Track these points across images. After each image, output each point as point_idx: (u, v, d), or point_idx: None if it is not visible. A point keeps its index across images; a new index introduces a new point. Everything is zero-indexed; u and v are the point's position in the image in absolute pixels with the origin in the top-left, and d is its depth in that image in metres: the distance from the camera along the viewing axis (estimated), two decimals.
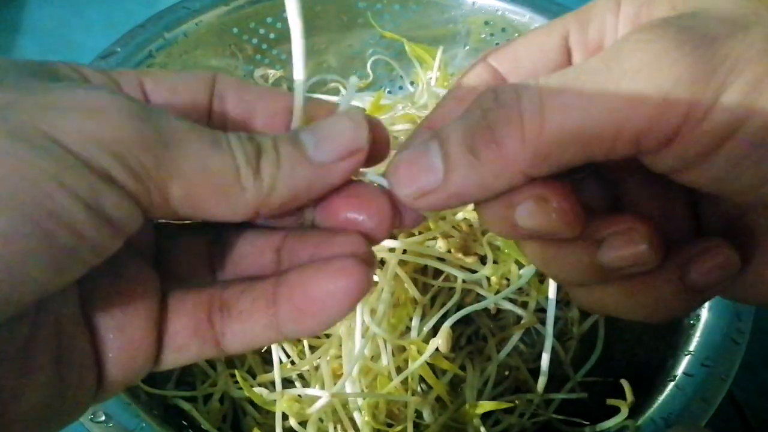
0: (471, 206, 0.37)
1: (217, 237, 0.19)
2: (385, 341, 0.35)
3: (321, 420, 0.35)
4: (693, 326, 0.35)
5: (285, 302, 0.17)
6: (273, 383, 0.36)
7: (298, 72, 0.19)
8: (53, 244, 0.13)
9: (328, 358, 0.36)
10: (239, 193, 0.16)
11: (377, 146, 0.18)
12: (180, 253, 0.19)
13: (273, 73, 0.49)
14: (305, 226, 0.19)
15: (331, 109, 0.20)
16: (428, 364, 0.35)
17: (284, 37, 0.50)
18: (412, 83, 0.53)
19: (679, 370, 0.34)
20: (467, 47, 0.51)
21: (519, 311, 0.39)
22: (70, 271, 0.14)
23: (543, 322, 0.38)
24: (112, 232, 0.14)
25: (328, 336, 0.38)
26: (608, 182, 0.20)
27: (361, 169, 0.18)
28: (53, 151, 0.13)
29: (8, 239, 0.12)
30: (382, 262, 0.37)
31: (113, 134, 0.14)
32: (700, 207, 0.19)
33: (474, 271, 0.37)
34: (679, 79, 0.14)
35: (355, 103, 0.47)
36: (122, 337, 0.17)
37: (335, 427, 0.35)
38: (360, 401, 0.35)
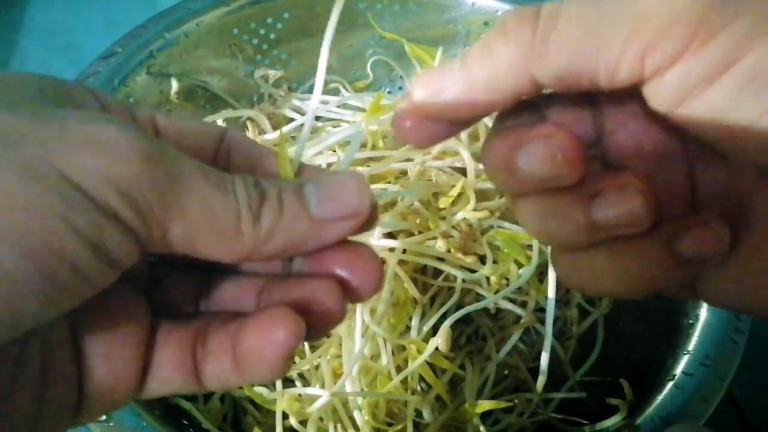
0: (471, 206, 0.37)
1: (206, 273, 0.20)
2: (384, 340, 0.35)
3: (321, 419, 0.35)
4: (692, 326, 0.35)
5: (237, 347, 0.17)
6: (273, 382, 0.36)
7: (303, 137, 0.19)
8: (53, 281, 0.13)
9: (328, 357, 0.36)
10: (237, 238, 0.16)
11: (371, 217, 0.18)
12: (171, 285, 0.19)
13: (273, 74, 0.49)
14: (291, 273, 0.19)
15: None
16: (428, 363, 0.35)
17: (285, 37, 0.50)
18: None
19: (679, 370, 0.34)
20: (467, 48, 0.51)
21: (518, 311, 0.39)
22: (64, 304, 0.14)
23: (542, 322, 0.38)
24: (110, 266, 0.14)
25: (328, 335, 0.38)
26: (607, 149, 0.20)
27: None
28: (62, 189, 0.13)
29: (9, 275, 0.13)
30: (382, 262, 0.37)
31: (123, 172, 0.14)
32: (698, 188, 0.19)
33: (473, 271, 0.37)
34: (693, 3, 0.15)
35: (354, 103, 0.48)
36: (108, 365, 0.17)
37: (335, 426, 0.35)
38: (360, 400, 0.35)
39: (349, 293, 0.18)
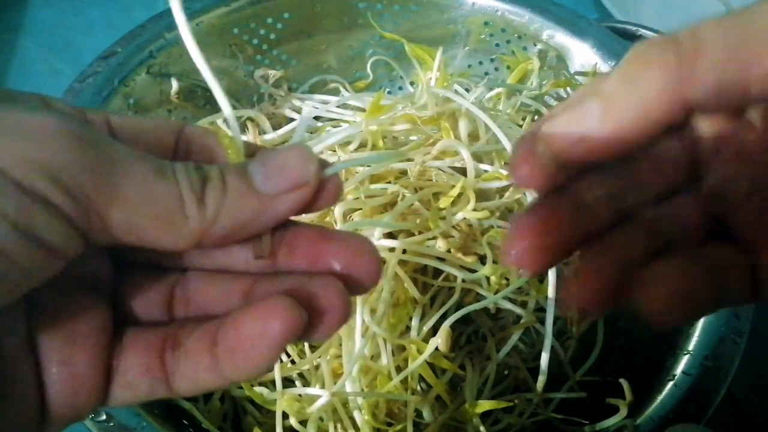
0: (471, 206, 0.37)
1: (182, 279, 0.19)
2: (384, 340, 0.35)
3: (321, 419, 0.35)
4: (692, 325, 0.35)
5: (221, 344, 0.17)
6: (273, 382, 0.36)
7: (226, 108, 0.19)
8: None
9: (328, 357, 0.36)
10: (182, 222, 0.16)
11: (328, 189, 0.18)
12: (140, 293, 0.19)
13: (273, 74, 0.49)
14: (279, 270, 0.18)
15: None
16: (428, 363, 0.35)
17: (285, 37, 0.50)
18: (412, 83, 0.53)
19: (678, 370, 0.34)
20: (467, 48, 0.51)
21: (518, 311, 0.39)
22: (3, 294, 0.14)
23: (542, 322, 0.38)
24: (47, 255, 0.14)
25: None
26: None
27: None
28: None
29: None
30: (382, 262, 0.37)
31: (51, 156, 0.14)
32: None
33: (474, 271, 0.37)
34: None
35: (354, 103, 0.48)
36: (66, 372, 0.16)
37: (335, 426, 0.35)
38: (360, 400, 0.35)
39: (348, 287, 0.18)
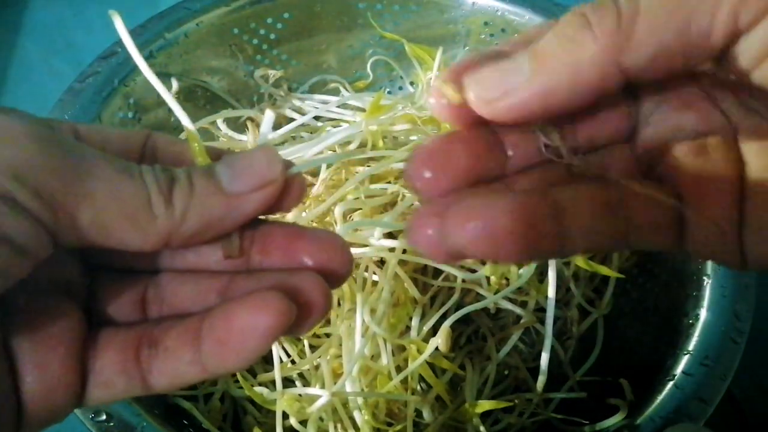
0: None
1: (154, 280, 0.19)
2: (385, 340, 0.35)
3: (321, 419, 0.35)
4: (692, 326, 0.35)
5: (207, 337, 0.17)
6: (273, 382, 0.36)
7: (185, 119, 0.20)
8: None
9: (328, 357, 0.36)
10: (150, 221, 0.16)
11: (293, 188, 0.18)
12: (114, 295, 0.19)
13: (273, 74, 0.49)
14: (253, 268, 0.19)
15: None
16: (428, 363, 0.35)
17: (285, 37, 0.50)
18: (412, 83, 0.53)
19: (679, 370, 0.34)
20: (467, 48, 0.51)
21: (518, 311, 0.39)
22: None
23: (542, 322, 0.38)
24: (17, 256, 0.14)
25: (328, 335, 0.38)
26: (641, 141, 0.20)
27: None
28: None
29: None
30: (382, 262, 0.37)
31: (17, 157, 0.14)
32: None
33: (474, 271, 0.37)
34: None
35: (354, 103, 0.48)
36: (41, 374, 0.17)
37: (335, 426, 0.35)
38: (360, 400, 0.35)
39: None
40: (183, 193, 0.17)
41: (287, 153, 0.41)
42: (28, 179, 0.14)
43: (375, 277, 0.37)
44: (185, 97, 0.47)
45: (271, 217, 0.20)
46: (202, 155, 0.19)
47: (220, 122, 0.45)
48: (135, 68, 0.44)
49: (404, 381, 0.36)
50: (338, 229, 0.36)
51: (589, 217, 0.17)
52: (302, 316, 0.17)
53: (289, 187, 0.18)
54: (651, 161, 0.19)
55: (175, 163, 0.19)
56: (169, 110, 0.47)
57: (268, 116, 0.20)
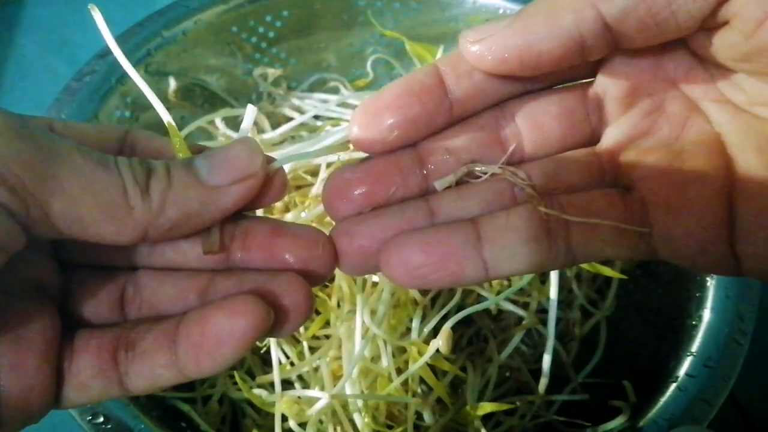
0: None
1: (132, 278, 0.19)
2: (385, 342, 0.35)
3: (321, 421, 0.35)
4: (695, 327, 0.35)
5: (183, 341, 0.17)
6: (272, 384, 0.36)
7: (164, 114, 0.20)
8: None
9: (327, 359, 0.36)
10: (126, 213, 0.16)
11: (274, 183, 0.18)
12: (90, 295, 0.19)
13: (272, 72, 0.49)
14: (234, 266, 0.19)
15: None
16: (429, 365, 0.35)
17: (284, 36, 0.50)
18: None
19: (682, 371, 0.33)
20: None
21: (520, 312, 0.38)
22: None
23: (544, 323, 0.37)
24: None
25: (327, 337, 0.38)
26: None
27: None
28: None
29: None
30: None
31: None
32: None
33: None
34: None
35: (354, 101, 0.47)
36: (17, 376, 0.16)
37: (335, 429, 0.35)
38: (360, 403, 0.35)
39: (307, 277, 0.18)
40: (160, 184, 0.17)
41: (286, 152, 0.40)
42: None
43: (375, 278, 0.36)
44: (183, 95, 0.46)
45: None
46: (183, 150, 0.19)
47: (218, 121, 0.45)
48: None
49: (405, 383, 0.35)
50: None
51: (514, 243, 0.18)
52: (284, 319, 0.17)
53: (271, 182, 0.18)
54: (617, 168, 0.19)
55: (155, 159, 0.19)
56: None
57: (250, 111, 0.20)
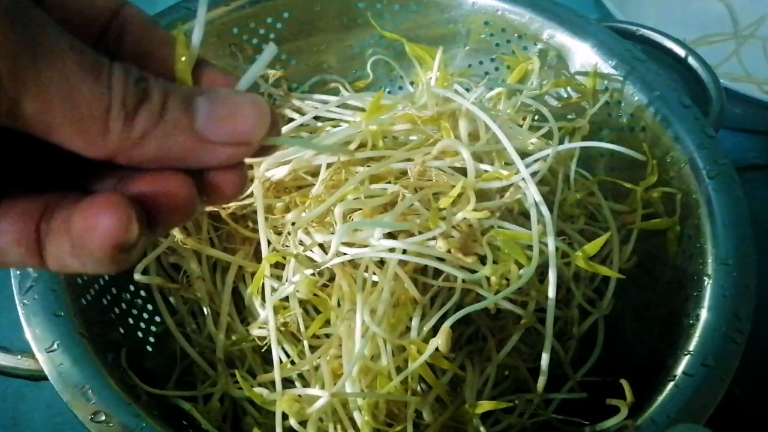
0: (471, 206, 0.37)
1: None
2: (384, 341, 0.35)
3: (321, 420, 0.35)
4: (693, 326, 0.35)
5: (71, 231, 0.15)
6: (273, 383, 0.36)
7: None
8: None
9: (328, 357, 0.36)
10: (102, 134, 0.14)
11: (239, 173, 0.17)
12: (25, 159, 0.17)
13: (273, 73, 0.49)
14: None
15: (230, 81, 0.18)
16: (428, 363, 0.35)
17: (285, 37, 0.50)
18: (412, 83, 0.53)
19: (679, 370, 0.34)
20: (467, 47, 0.51)
21: (519, 311, 0.39)
22: None
23: (542, 322, 0.38)
24: None
25: (328, 336, 0.38)
26: None
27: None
28: None
29: None
30: (382, 262, 0.37)
31: None
32: None
33: (474, 271, 0.37)
34: None
35: (354, 102, 0.47)
36: None
37: (335, 427, 0.35)
38: (360, 401, 0.35)
39: (208, 191, 0.17)
40: (150, 116, 0.15)
41: (286, 153, 0.40)
42: None
43: (375, 278, 0.37)
44: None
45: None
46: (185, 72, 0.16)
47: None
48: None
49: (404, 381, 0.35)
50: (338, 229, 0.36)
51: None
52: (161, 217, 0.16)
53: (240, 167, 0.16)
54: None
55: (141, 53, 0.17)
56: None
57: (270, 49, 0.17)
